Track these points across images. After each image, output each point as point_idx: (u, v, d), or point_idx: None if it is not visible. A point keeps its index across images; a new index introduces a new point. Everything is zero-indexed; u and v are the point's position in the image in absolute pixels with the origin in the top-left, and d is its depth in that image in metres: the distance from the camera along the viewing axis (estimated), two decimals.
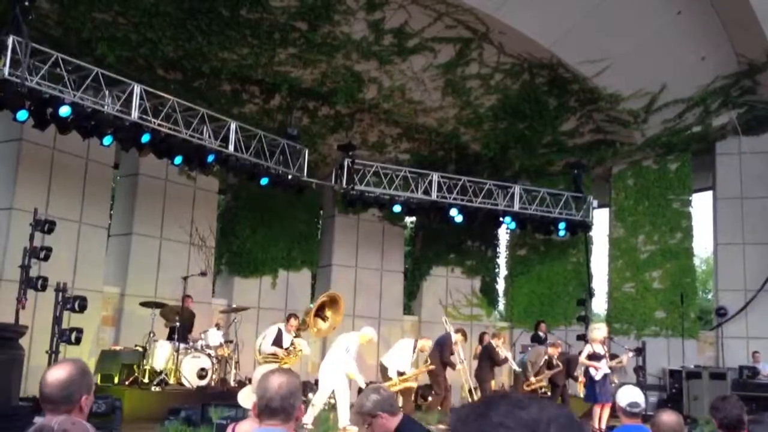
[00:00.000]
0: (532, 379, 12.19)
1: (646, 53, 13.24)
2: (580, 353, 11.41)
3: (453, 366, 11.61)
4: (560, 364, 12.27)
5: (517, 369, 12.62)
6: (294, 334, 10.34)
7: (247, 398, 3.77)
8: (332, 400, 10.38)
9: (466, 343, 12.74)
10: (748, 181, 15.15)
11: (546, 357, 12.34)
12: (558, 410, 1.08)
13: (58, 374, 2.60)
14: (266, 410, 2.61)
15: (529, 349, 13.19)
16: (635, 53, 13.23)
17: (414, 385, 11.32)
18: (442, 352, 11.48)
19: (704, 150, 15.84)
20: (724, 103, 14.70)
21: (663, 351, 14.98)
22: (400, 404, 12.21)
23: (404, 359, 10.94)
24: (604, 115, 15.16)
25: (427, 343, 11.23)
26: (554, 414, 1.06)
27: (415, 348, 11.06)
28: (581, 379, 11.68)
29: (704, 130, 15.30)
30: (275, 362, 9.98)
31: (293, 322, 10.38)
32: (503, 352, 12.24)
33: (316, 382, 11.50)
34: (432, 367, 11.24)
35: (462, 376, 12.17)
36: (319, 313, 10.74)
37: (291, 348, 10.19)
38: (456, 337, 11.62)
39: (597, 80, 13.92)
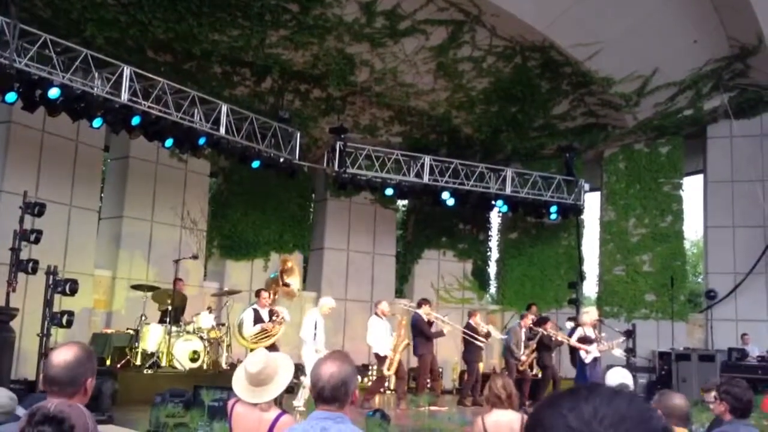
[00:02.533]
0: (523, 357, 12.28)
1: (639, 36, 13.22)
2: (570, 333, 11.49)
3: (441, 333, 11.56)
4: (538, 330, 12.33)
5: (502, 337, 12.69)
6: (269, 306, 10.44)
7: (242, 391, 3.75)
8: None
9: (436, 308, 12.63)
10: (738, 165, 15.20)
11: (524, 329, 12.45)
12: (628, 409, 0.96)
13: (65, 355, 2.55)
14: (319, 398, 2.65)
15: (509, 332, 13.18)
16: (627, 36, 13.21)
17: (407, 341, 11.29)
18: (422, 332, 11.43)
19: (695, 133, 15.87)
20: (715, 87, 14.71)
21: (653, 333, 15.09)
22: (393, 388, 12.30)
23: (382, 335, 10.95)
24: (596, 98, 15.15)
25: (383, 306, 11.18)
26: (619, 413, 0.96)
27: (380, 317, 11.04)
28: (561, 337, 11.74)
29: (696, 113, 15.32)
30: (266, 338, 10.06)
31: (264, 295, 10.48)
32: (484, 327, 12.30)
33: None
34: (404, 323, 11.25)
35: (453, 329, 12.00)
36: (283, 283, 10.95)
37: (274, 318, 10.29)
38: (423, 310, 11.48)
39: (589, 63, 13.90)
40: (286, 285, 10.98)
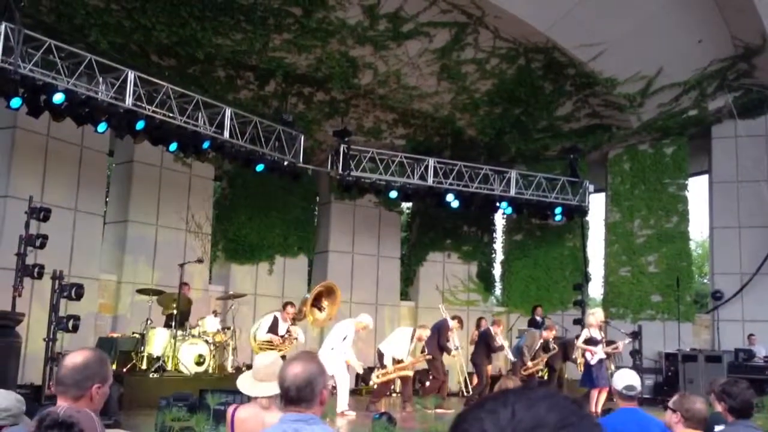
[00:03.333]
0: (529, 363, 12.23)
1: (642, 37, 13.20)
2: (577, 337, 11.44)
3: (449, 351, 11.69)
4: (556, 346, 12.31)
5: (512, 359, 12.63)
6: (290, 322, 10.41)
7: (245, 384, 3.75)
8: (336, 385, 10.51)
9: (462, 331, 12.79)
10: (743, 165, 15.16)
11: (542, 340, 12.38)
12: (548, 415, 0.90)
13: (75, 359, 2.63)
14: (286, 399, 2.64)
15: (525, 333, 13.23)
16: (631, 37, 13.20)
17: (410, 373, 11.36)
18: (439, 337, 11.55)
19: (700, 134, 15.84)
20: (720, 87, 14.68)
21: (659, 334, 15.05)
22: (399, 390, 12.31)
23: (402, 347, 11.01)
24: (600, 99, 15.13)
25: (424, 333, 11.27)
26: (537, 418, 0.90)
27: (413, 337, 11.11)
28: (580, 360, 11.65)
29: (700, 113, 15.29)
30: (271, 349, 10.05)
31: (290, 309, 10.45)
32: (500, 340, 12.26)
33: None
34: (429, 357, 11.30)
35: (457, 362, 12.22)
36: (316, 302, 10.80)
37: (287, 335, 10.25)
38: (452, 324, 11.64)
39: (593, 64, 13.88)
40: (319, 308, 10.83)
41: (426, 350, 11.34)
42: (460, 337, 12.32)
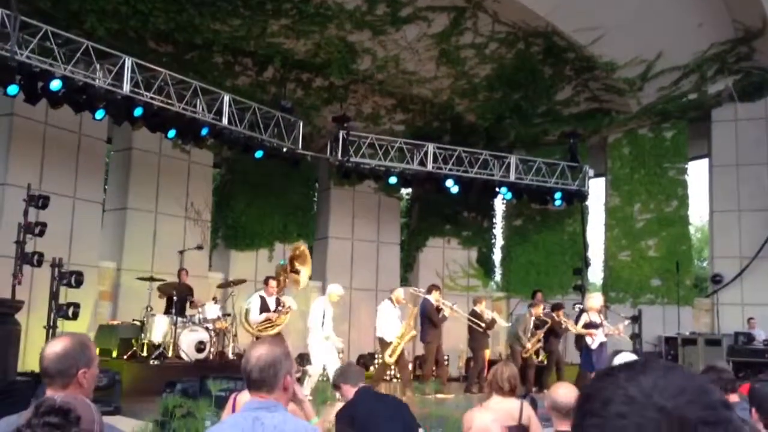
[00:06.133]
0: (528, 345, 12.27)
1: (642, 20, 13.13)
2: (577, 319, 11.45)
3: (444, 318, 11.57)
4: (548, 319, 12.32)
5: (505, 324, 12.69)
6: (276, 295, 10.44)
7: None
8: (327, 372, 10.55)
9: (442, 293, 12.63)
10: (743, 148, 15.13)
11: (533, 318, 12.43)
12: (686, 381, 0.96)
13: (54, 347, 2.62)
14: (249, 383, 2.57)
15: (516, 318, 13.21)
16: (631, 21, 13.12)
17: (414, 333, 11.25)
18: (430, 318, 11.46)
19: (700, 117, 15.79)
20: (720, 70, 14.62)
21: (659, 318, 15.07)
22: (398, 376, 12.34)
23: (392, 321, 10.93)
24: (599, 83, 15.08)
25: (399, 293, 11.12)
26: (678, 385, 0.95)
27: (393, 304, 10.97)
28: (576, 330, 11.56)
29: (700, 97, 15.23)
30: (271, 327, 10.08)
31: (272, 284, 10.48)
32: (489, 314, 12.31)
33: None
34: (415, 312, 11.21)
35: (460, 317, 12.13)
36: (292, 269, 10.92)
37: (280, 308, 10.28)
38: (433, 296, 11.52)
39: (592, 48, 13.82)
40: (296, 272, 10.93)
41: (413, 310, 11.23)
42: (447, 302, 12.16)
